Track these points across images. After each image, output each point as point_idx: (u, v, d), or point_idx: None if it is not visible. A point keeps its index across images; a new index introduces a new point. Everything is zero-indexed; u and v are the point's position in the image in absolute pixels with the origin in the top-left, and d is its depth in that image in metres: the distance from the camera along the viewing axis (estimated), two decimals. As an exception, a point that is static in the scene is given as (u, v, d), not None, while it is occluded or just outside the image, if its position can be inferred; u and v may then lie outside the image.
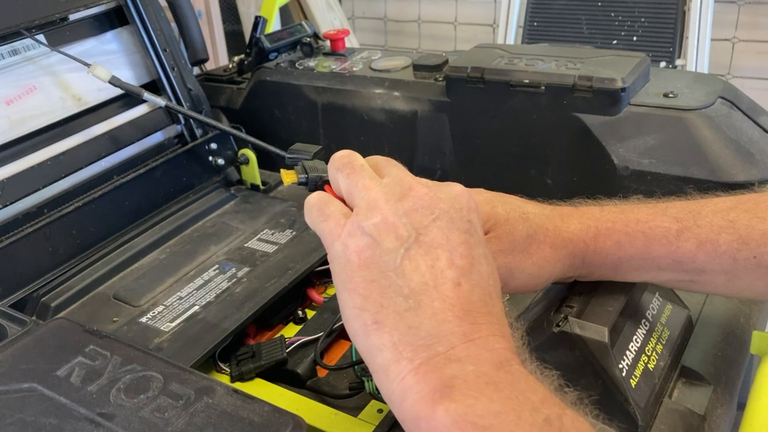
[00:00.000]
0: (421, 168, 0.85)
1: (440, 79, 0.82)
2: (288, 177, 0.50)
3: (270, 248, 0.75)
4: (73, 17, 0.81)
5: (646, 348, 0.51)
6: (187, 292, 0.69)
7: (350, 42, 1.34)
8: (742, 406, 0.52)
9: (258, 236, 0.78)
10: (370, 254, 0.38)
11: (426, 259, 0.38)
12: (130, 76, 0.86)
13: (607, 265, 0.50)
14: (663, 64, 1.87)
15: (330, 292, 0.73)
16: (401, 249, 0.38)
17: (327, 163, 0.48)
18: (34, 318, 0.53)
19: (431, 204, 0.40)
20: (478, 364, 0.34)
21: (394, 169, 0.44)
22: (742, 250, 0.47)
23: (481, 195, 0.52)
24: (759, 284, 0.48)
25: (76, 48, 0.81)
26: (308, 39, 0.97)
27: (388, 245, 0.38)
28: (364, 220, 0.39)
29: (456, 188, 0.42)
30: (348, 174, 0.44)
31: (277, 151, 0.87)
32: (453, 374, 0.34)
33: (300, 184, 0.49)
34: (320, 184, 0.49)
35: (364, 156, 0.48)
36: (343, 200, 0.44)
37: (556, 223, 0.51)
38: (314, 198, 0.44)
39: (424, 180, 0.43)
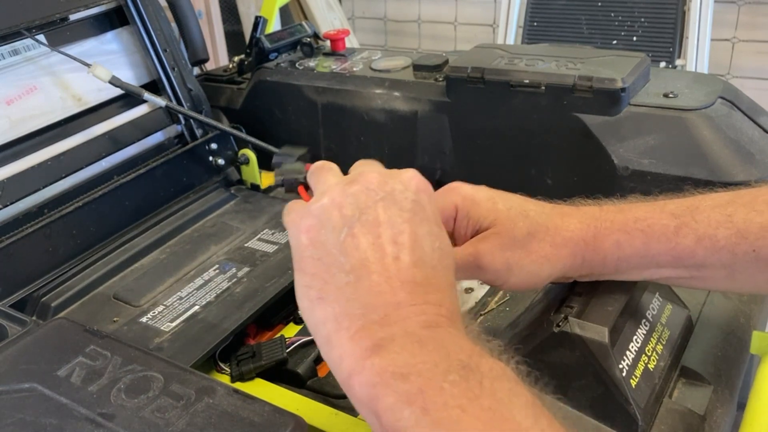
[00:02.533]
0: (421, 168, 0.83)
1: (440, 79, 0.82)
2: (268, 179, 0.52)
3: (270, 248, 0.75)
4: (73, 17, 0.81)
5: (647, 348, 0.51)
6: (187, 292, 0.69)
7: (350, 42, 1.34)
8: (742, 406, 0.52)
9: (258, 236, 0.78)
10: (316, 233, 0.40)
11: (367, 237, 0.39)
12: (130, 76, 0.86)
13: (607, 264, 0.50)
14: (663, 64, 1.87)
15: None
16: (344, 228, 0.40)
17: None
18: (34, 318, 0.53)
19: (378, 186, 0.41)
20: (407, 327, 0.37)
21: (361, 167, 0.46)
22: (740, 244, 0.47)
23: (482, 192, 0.52)
24: (759, 278, 0.48)
25: (77, 48, 0.81)
26: (308, 39, 0.97)
27: (332, 224, 0.40)
28: (315, 203, 0.42)
29: (408, 173, 0.44)
30: (316, 173, 0.47)
31: (277, 151, 0.87)
32: (383, 336, 0.36)
33: (276, 185, 0.52)
34: (295, 185, 0.51)
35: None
36: None
37: (557, 222, 0.51)
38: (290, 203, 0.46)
39: (381, 169, 0.45)
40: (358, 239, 0.39)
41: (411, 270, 0.39)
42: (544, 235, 0.50)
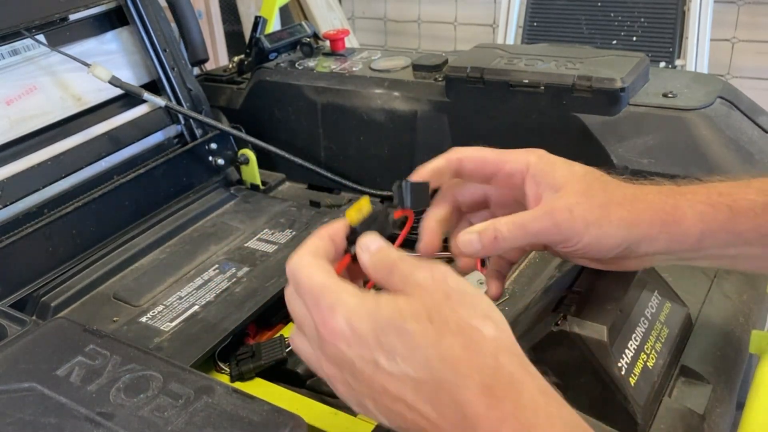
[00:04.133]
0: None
1: (440, 79, 0.82)
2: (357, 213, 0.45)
3: (270, 248, 0.75)
4: (73, 17, 0.81)
5: (645, 346, 0.51)
6: (187, 291, 0.69)
7: (350, 42, 1.34)
8: (741, 406, 0.52)
9: (258, 236, 0.78)
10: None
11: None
12: (130, 76, 0.86)
13: (688, 238, 0.47)
14: (663, 64, 1.87)
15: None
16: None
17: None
18: (34, 318, 0.53)
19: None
20: None
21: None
22: None
23: (559, 158, 0.50)
24: None
25: (76, 48, 0.81)
26: (308, 39, 0.97)
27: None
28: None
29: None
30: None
31: (277, 151, 0.87)
32: None
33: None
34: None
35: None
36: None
37: (634, 190, 0.49)
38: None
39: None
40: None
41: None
42: (621, 199, 0.48)
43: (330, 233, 0.44)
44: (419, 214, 0.50)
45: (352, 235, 0.43)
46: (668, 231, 0.47)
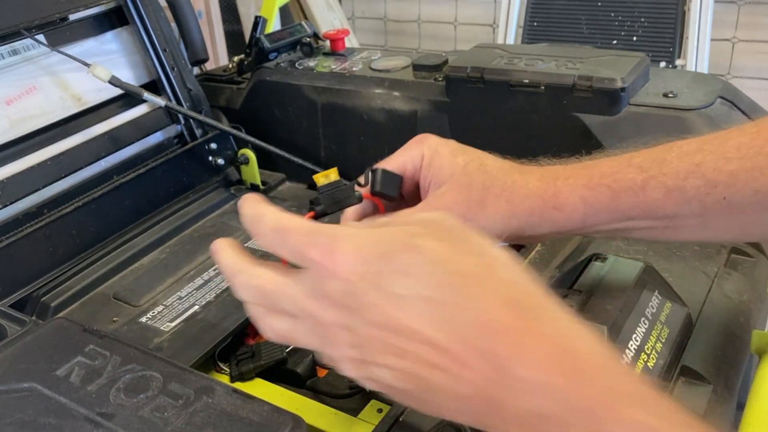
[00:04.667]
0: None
1: (440, 79, 0.82)
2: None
3: (270, 248, 0.75)
4: (73, 17, 0.81)
5: (646, 346, 0.51)
6: (187, 291, 0.69)
7: (350, 42, 1.34)
8: (741, 406, 0.52)
9: (258, 236, 0.78)
10: None
11: None
12: (130, 76, 0.86)
13: (572, 220, 0.49)
14: (663, 64, 1.87)
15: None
16: None
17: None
18: (34, 318, 0.53)
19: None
20: None
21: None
22: (710, 194, 0.46)
23: (448, 145, 0.52)
24: (732, 225, 0.48)
25: (76, 48, 0.81)
26: (308, 39, 0.97)
27: None
28: None
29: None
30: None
31: (277, 151, 0.87)
32: None
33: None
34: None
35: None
36: None
37: (515, 178, 0.50)
38: None
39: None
40: None
41: None
42: (500, 190, 0.49)
43: None
44: (388, 200, 0.53)
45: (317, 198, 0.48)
46: (550, 218, 0.49)
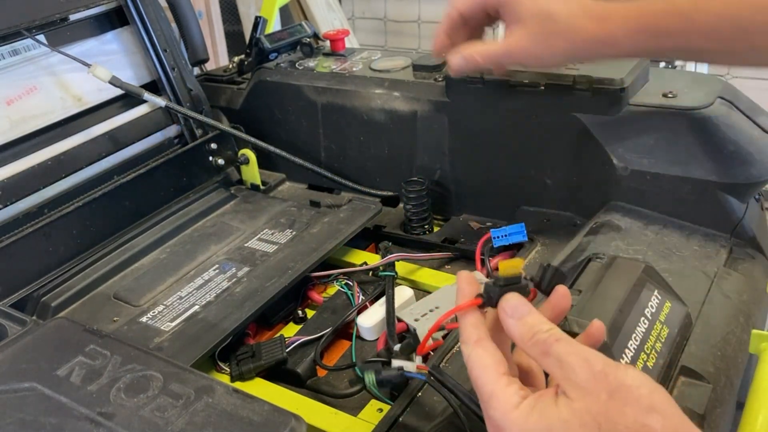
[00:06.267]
0: (421, 168, 0.85)
1: (440, 79, 0.82)
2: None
3: (270, 248, 0.76)
4: (73, 17, 0.81)
5: (646, 346, 0.51)
6: (187, 291, 0.69)
7: (350, 42, 1.34)
8: (741, 406, 0.52)
9: (258, 236, 0.78)
10: None
11: None
12: (131, 76, 0.87)
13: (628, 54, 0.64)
14: (662, 64, 1.87)
15: (330, 291, 0.73)
16: None
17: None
18: (34, 318, 0.53)
19: None
20: None
21: None
22: None
23: None
24: None
25: (77, 48, 0.81)
26: (308, 39, 0.97)
27: None
28: None
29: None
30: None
31: (277, 151, 0.87)
32: None
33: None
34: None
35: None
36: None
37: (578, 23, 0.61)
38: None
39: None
40: None
41: None
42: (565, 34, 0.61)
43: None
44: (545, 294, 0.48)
45: (494, 285, 0.43)
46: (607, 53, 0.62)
